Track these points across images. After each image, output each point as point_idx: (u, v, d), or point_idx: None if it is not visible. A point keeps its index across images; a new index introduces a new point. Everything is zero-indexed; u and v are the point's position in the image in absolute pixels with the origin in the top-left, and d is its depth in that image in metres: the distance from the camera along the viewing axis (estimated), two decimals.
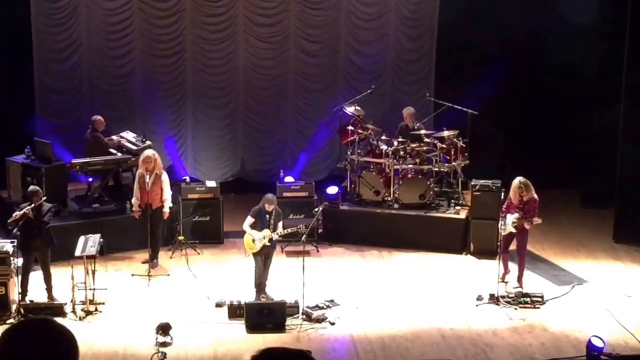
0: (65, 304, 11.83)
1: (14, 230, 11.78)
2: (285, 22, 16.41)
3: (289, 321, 11.57)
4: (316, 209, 13.05)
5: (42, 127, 15.65)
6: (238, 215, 13.49)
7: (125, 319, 11.73)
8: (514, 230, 12.51)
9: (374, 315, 11.95)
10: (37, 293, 12.06)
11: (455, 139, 14.53)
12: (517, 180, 12.49)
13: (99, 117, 14.55)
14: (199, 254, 14.03)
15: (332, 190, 14.66)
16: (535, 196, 12.51)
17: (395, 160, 14.45)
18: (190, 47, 16.30)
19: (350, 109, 15.02)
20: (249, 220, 12.15)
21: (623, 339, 11.37)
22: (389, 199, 14.62)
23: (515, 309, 12.13)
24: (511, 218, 12.45)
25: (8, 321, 11.35)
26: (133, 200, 13.43)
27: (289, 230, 12.19)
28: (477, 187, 14.02)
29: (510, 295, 12.37)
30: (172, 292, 12.62)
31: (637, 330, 11.59)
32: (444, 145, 14.50)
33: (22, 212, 11.70)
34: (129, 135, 14.95)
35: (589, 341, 10.46)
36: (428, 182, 14.44)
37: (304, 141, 16.72)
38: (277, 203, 12.38)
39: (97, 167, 14.26)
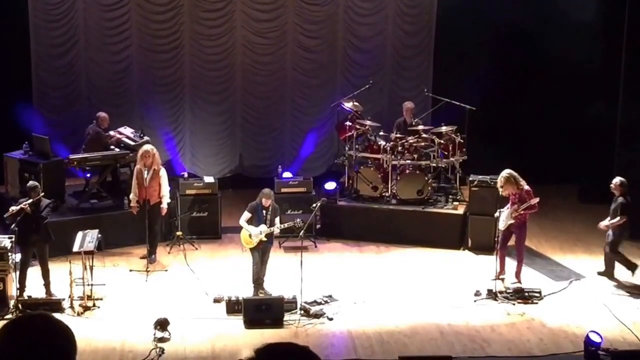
0: (64, 299, 11.82)
1: (12, 226, 11.77)
2: (283, 18, 16.40)
3: (287, 317, 11.57)
4: (314, 205, 13.04)
5: (39, 123, 15.63)
6: (236, 211, 13.49)
7: (124, 314, 11.72)
8: (512, 222, 12.48)
9: (372, 310, 11.95)
10: (35, 288, 12.05)
11: (453, 135, 14.54)
12: (501, 173, 12.49)
13: (103, 114, 14.58)
14: (197, 249, 14.03)
15: (330, 185, 14.66)
16: (526, 187, 12.43)
17: (393, 156, 14.45)
18: (188, 43, 16.28)
19: (348, 105, 15.03)
20: (246, 215, 12.14)
21: (621, 334, 11.37)
22: (387, 194, 14.62)
23: (514, 304, 12.14)
24: (506, 212, 12.43)
25: (6, 317, 11.31)
26: (131, 195, 13.42)
27: (286, 225, 12.20)
28: (475, 182, 14.03)
29: (508, 291, 12.38)
30: (170, 288, 12.61)
31: (635, 325, 11.60)
32: (442, 141, 14.51)
33: (19, 206, 11.69)
34: (127, 130, 14.94)
35: (587, 336, 10.47)
36: (426, 178, 14.45)
37: (302, 137, 16.71)
38: (274, 199, 12.37)
39: (95, 162, 14.25)
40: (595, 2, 15.77)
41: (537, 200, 12.33)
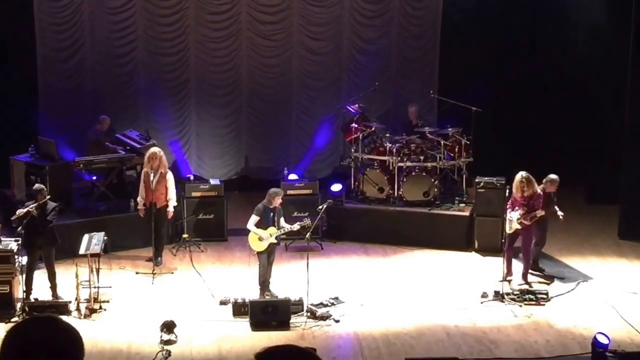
0: (70, 302, 11.84)
1: (19, 229, 11.78)
2: (289, 20, 16.39)
3: (293, 319, 11.55)
4: (320, 207, 13.03)
5: (45, 126, 15.64)
6: (242, 213, 13.48)
7: (130, 316, 11.73)
8: (519, 227, 12.48)
9: (379, 312, 11.94)
10: (41, 291, 12.06)
11: (459, 136, 14.52)
12: (519, 174, 12.47)
13: (104, 117, 14.62)
14: (203, 251, 14.03)
15: (336, 187, 14.64)
16: (539, 190, 12.47)
17: (399, 158, 14.43)
18: (194, 45, 16.29)
19: (354, 107, 15.01)
20: (254, 219, 12.07)
21: (628, 335, 11.34)
22: (393, 196, 14.60)
23: (520, 306, 12.11)
24: (515, 215, 12.42)
25: (13, 319, 11.33)
26: (138, 198, 13.42)
27: (298, 225, 12.10)
28: (481, 184, 14.00)
29: (515, 292, 12.35)
30: (176, 290, 12.62)
31: None
32: (448, 143, 14.49)
33: (26, 209, 11.71)
34: (133, 133, 14.96)
35: (594, 338, 10.43)
36: (432, 180, 14.43)
37: (307, 139, 16.70)
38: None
39: (101, 165, 14.28)
40: (602, 1, 15.73)
41: (542, 213, 12.34)
